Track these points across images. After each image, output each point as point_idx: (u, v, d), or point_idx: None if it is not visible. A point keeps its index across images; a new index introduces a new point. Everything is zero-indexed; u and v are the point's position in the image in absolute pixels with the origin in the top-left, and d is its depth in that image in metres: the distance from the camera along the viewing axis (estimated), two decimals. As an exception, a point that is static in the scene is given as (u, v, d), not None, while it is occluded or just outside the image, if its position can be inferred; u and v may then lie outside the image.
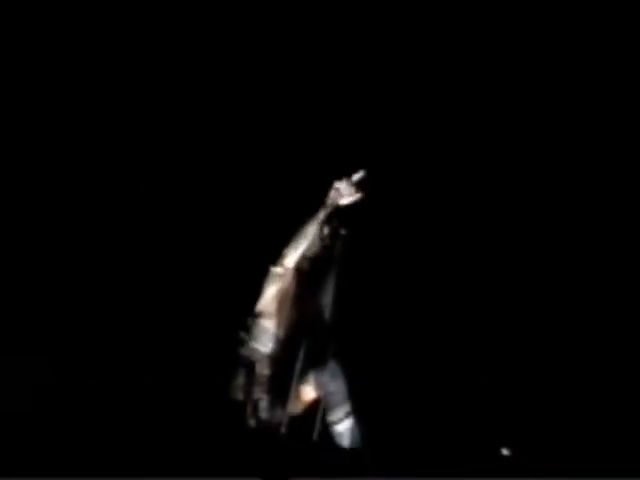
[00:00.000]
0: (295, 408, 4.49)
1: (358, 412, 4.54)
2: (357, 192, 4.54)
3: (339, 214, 4.53)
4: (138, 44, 5.39)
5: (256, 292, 4.58)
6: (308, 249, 4.51)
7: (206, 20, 5.42)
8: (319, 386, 4.50)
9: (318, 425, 4.45)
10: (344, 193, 4.54)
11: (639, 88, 5.36)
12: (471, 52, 5.39)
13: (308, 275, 4.53)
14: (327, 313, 4.52)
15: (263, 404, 4.49)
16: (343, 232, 4.53)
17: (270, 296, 4.56)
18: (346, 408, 4.54)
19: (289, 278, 4.54)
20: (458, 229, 5.33)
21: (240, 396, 4.50)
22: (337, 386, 4.52)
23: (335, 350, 4.53)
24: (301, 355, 4.45)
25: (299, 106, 5.40)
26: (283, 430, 4.43)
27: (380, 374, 5.09)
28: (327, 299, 4.52)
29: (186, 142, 5.39)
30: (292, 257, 4.54)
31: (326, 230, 4.54)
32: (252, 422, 4.49)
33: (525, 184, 5.40)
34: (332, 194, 4.57)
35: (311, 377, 4.50)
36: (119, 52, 5.40)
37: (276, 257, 4.57)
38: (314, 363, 4.50)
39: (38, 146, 5.33)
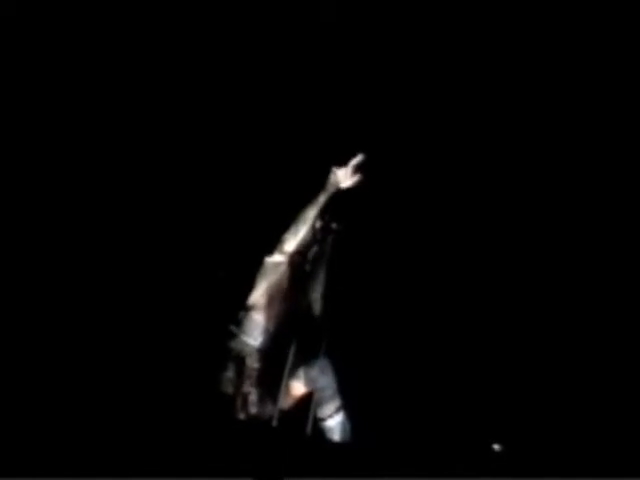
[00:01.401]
0: (285, 403, 4.48)
1: (348, 407, 4.54)
2: (356, 175, 4.55)
3: (334, 205, 4.53)
4: (136, 44, 5.39)
5: (248, 284, 4.57)
6: (307, 234, 4.50)
7: (199, 9, 5.43)
8: (309, 381, 4.49)
9: (311, 420, 4.45)
10: (343, 177, 4.55)
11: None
12: (469, 38, 5.38)
13: (299, 269, 4.52)
14: (317, 308, 4.52)
15: (253, 398, 4.48)
16: (335, 226, 4.53)
17: (262, 289, 4.55)
18: (336, 403, 4.53)
19: (283, 270, 4.53)
20: (449, 224, 5.32)
21: (230, 390, 4.50)
22: (327, 381, 4.51)
23: (325, 345, 4.52)
24: (292, 350, 4.44)
25: (297, 92, 5.39)
26: (274, 424, 4.42)
27: (370, 369, 5.07)
28: (318, 293, 4.52)
29: (180, 127, 5.38)
30: (291, 242, 4.53)
31: (318, 224, 4.53)
32: (242, 416, 4.48)
33: (526, 176, 5.37)
34: (331, 178, 4.57)
35: (301, 372, 4.49)
36: (118, 52, 5.40)
37: (269, 249, 4.57)
38: (304, 358, 4.49)
39: (37, 146, 5.33)
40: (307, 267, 4.52)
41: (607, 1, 5.31)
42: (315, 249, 4.52)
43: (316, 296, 4.52)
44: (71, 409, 4.29)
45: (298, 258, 4.52)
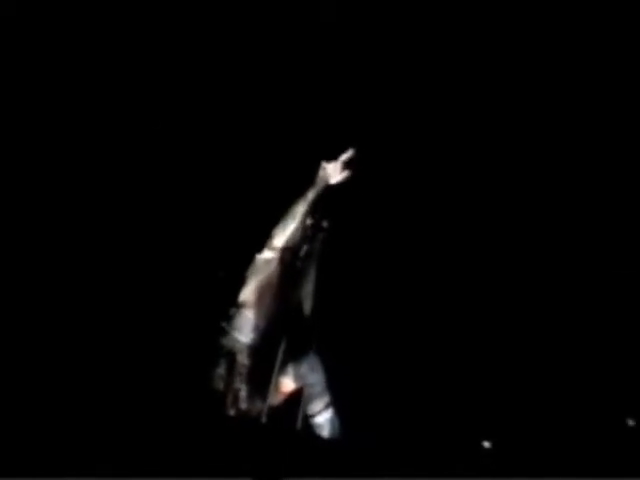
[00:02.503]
0: (274, 399, 4.50)
1: (338, 404, 4.56)
2: (345, 171, 4.57)
3: (325, 202, 4.55)
4: (135, 43, 5.43)
5: (239, 281, 4.60)
6: (296, 230, 4.53)
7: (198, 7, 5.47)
8: (298, 378, 4.51)
9: (301, 416, 4.47)
10: (333, 173, 4.58)
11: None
12: (464, 39, 5.39)
13: (290, 266, 4.55)
14: (308, 305, 4.54)
15: (243, 394, 4.51)
16: (325, 224, 4.55)
17: (253, 286, 4.58)
18: (325, 400, 4.55)
19: (273, 267, 4.56)
20: (440, 222, 5.32)
21: (220, 386, 4.52)
22: (316, 378, 4.53)
23: (315, 342, 4.54)
24: (282, 346, 4.47)
25: (287, 88, 5.40)
26: (263, 420, 4.44)
27: (360, 366, 5.08)
28: (308, 291, 4.54)
29: (170, 123, 5.40)
30: (280, 238, 4.56)
31: (309, 221, 4.55)
32: (232, 412, 4.51)
33: (522, 173, 5.37)
34: (321, 173, 4.60)
35: (290, 369, 4.51)
36: (117, 51, 5.44)
37: (261, 246, 4.59)
38: (294, 355, 4.51)
39: (36, 146, 5.38)
40: (298, 264, 4.54)
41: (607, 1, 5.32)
42: (306, 246, 4.55)
43: (306, 293, 4.55)
44: (62, 407, 4.31)
45: (288, 255, 4.55)
